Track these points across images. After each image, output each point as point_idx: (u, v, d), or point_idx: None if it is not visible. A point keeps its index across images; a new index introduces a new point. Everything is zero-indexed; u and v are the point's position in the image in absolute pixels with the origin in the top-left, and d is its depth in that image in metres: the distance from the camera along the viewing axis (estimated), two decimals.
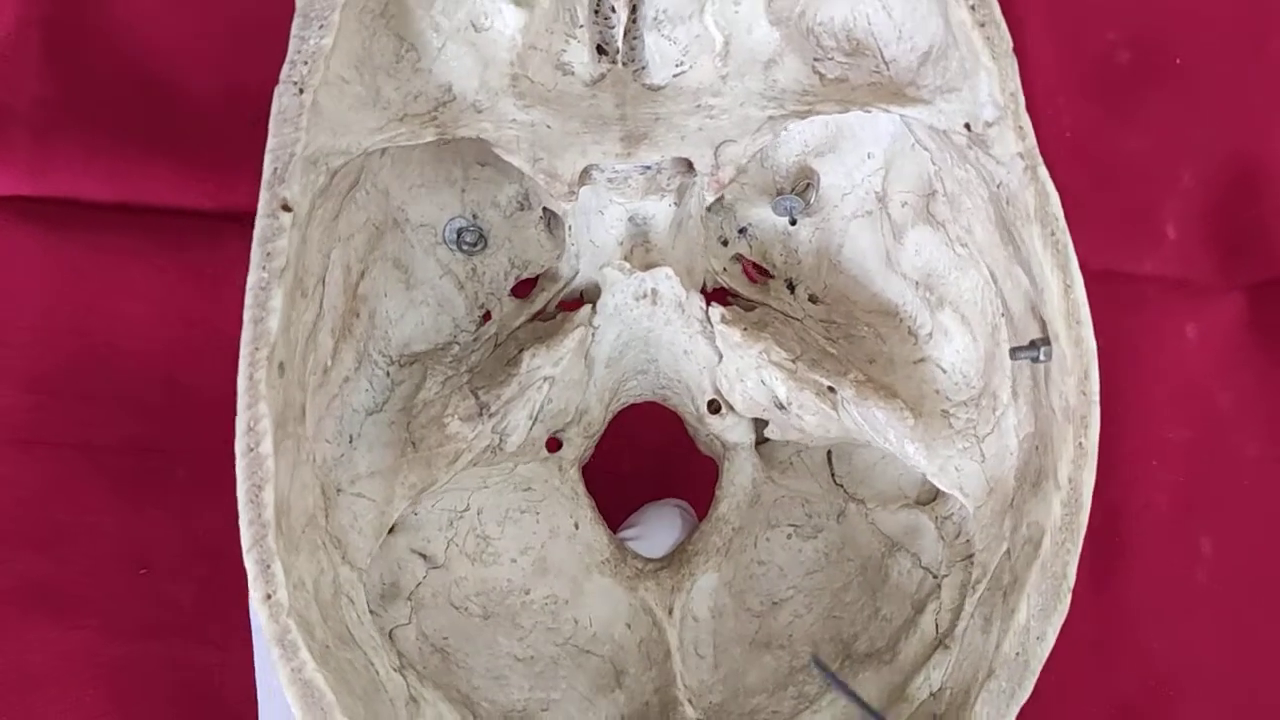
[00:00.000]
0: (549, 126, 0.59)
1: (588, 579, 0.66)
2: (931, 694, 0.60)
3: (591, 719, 0.63)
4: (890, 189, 0.64)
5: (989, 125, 0.56)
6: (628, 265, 0.63)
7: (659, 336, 0.66)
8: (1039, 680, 0.71)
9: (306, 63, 0.53)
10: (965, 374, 0.63)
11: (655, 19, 0.61)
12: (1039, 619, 0.55)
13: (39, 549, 0.69)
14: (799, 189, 0.66)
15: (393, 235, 0.63)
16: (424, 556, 0.63)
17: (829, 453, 0.68)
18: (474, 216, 0.65)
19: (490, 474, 0.65)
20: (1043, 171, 0.55)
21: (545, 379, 0.62)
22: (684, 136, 0.60)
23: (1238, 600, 0.74)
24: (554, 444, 0.67)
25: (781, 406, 0.64)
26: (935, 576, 0.63)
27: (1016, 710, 0.56)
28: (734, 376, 0.65)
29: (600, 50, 0.62)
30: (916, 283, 0.64)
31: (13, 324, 0.70)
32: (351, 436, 0.60)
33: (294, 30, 0.53)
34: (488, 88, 0.59)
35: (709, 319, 0.64)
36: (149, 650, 0.69)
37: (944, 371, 0.63)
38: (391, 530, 0.62)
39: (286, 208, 0.52)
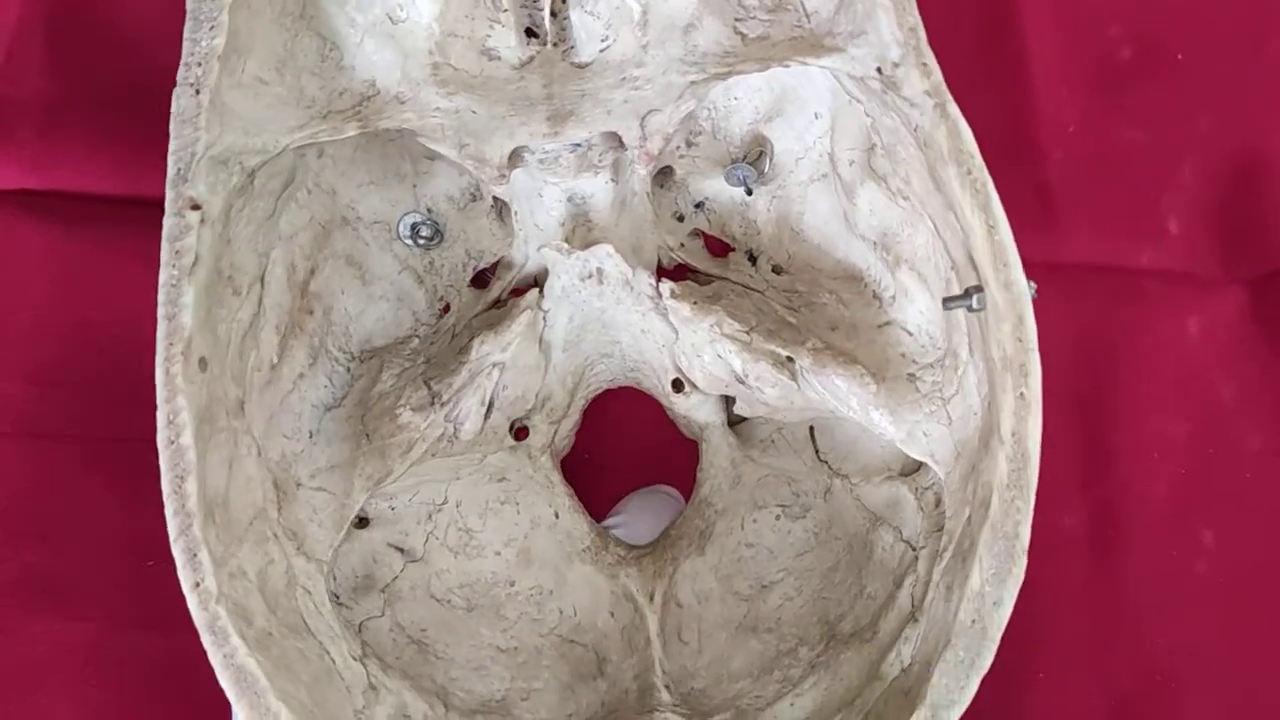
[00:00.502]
0: (474, 112, 0.60)
1: (570, 568, 0.66)
2: (902, 669, 0.57)
3: (571, 708, 0.63)
4: (837, 148, 0.62)
5: (896, 66, 0.54)
6: (565, 245, 0.62)
7: (614, 317, 0.65)
8: (1037, 671, 0.68)
9: (200, 64, 0.54)
10: (930, 335, 0.60)
11: None
12: (994, 584, 0.52)
13: (41, 541, 0.71)
14: (752, 158, 0.64)
15: (342, 233, 0.64)
16: (401, 550, 0.64)
17: (811, 428, 0.66)
18: (428, 210, 0.66)
19: (460, 465, 0.65)
20: (952, 108, 0.53)
21: (495, 365, 0.62)
22: (610, 111, 0.60)
23: (1238, 592, 0.70)
24: (522, 433, 0.67)
25: (740, 380, 0.63)
26: (914, 549, 0.61)
27: (977, 679, 0.52)
28: (691, 352, 0.64)
29: (530, 33, 0.62)
30: (874, 243, 0.61)
31: (16, 316, 0.72)
32: (311, 432, 0.61)
33: (186, 33, 0.55)
34: (409, 79, 0.60)
35: (659, 294, 0.63)
36: (151, 642, 0.70)
37: (909, 334, 0.60)
38: (366, 525, 0.63)
39: (195, 206, 0.54)
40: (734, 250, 0.66)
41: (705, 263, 0.66)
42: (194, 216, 0.54)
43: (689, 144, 0.65)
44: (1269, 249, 0.72)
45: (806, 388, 0.61)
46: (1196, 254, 0.73)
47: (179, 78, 0.55)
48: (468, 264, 0.67)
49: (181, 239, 0.54)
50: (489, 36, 0.61)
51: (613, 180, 0.63)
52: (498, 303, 0.66)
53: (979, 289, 0.53)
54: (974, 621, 0.52)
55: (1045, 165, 0.72)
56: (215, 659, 0.53)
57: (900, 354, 0.60)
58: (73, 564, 0.71)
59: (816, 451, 0.66)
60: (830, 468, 0.65)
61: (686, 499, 0.68)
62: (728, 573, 0.65)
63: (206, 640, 0.53)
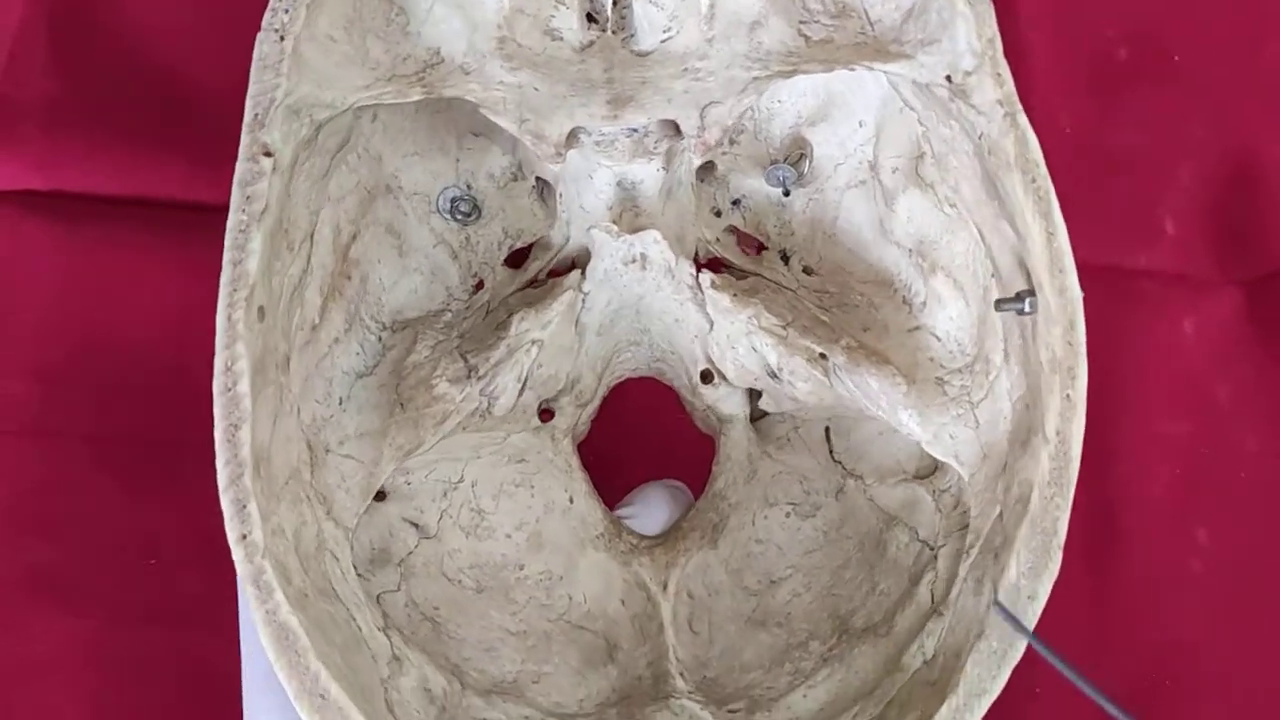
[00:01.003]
0: (536, 89, 0.60)
1: (582, 554, 0.66)
2: (925, 662, 0.59)
3: (583, 692, 0.62)
4: (881, 156, 0.64)
5: (968, 74, 0.56)
6: (615, 227, 0.63)
7: (650, 304, 0.66)
8: (1035, 670, 0.70)
9: (288, 10, 0.54)
10: (959, 341, 0.62)
11: None
12: (1029, 577, 0.54)
13: (46, 538, 0.70)
14: (792, 159, 0.66)
15: (385, 201, 0.64)
16: (416, 526, 0.63)
17: (827, 429, 0.68)
18: (468, 186, 0.66)
19: (483, 444, 0.65)
20: (1022, 118, 0.55)
21: (534, 342, 0.63)
22: (670, 99, 0.61)
23: (1234, 592, 0.73)
24: (546, 414, 0.67)
25: (773, 374, 0.64)
26: (932, 548, 0.62)
27: (1009, 670, 0.54)
28: (725, 344, 0.65)
29: (590, 18, 0.63)
30: (910, 250, 0.63)
31: (21, 316, 0.72)
32: (341, 399, 0.61)
33: None
34: (475, 50, 0.60)
35: (699, 285, 0.64)
36: (156, 639, 0.69)
37: (938, 339, 0.62)
38: (383, 498, 0.63)
39: (268, 153, 0.54)
40: (767, 249, 0.68)
41: (740, 258, 0.67)
42: (267, 163, 0.53)
43: (731, 141, 0.66)
44: (1265, 250, 0.75)
45: (838, 385, 0.63)
46: (1193, 255, 0.75)
47: (264, 23, 0.54)
48: (504, 242, 0.67)
49: (254, 184, 0.53)
50: (553, 17, 0.62)
51: (664, 168, 0.64)
52: (534, 282, 0.66)
53: (1031, 293, 0.55)
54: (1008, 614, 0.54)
55: None
56: (258, 614, 0.51)
57: (929, 358, 0.62)
58: (78, 561, 0.70)
59: (831, 451, 0.67)
60: (844, 468, 0.67)
61: (695, 495, 0.69)
62: (737, 567, 0.66)
63: (250, 594, 0.52)
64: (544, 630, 0.64)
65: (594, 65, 0.62)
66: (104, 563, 0.70)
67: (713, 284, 0.63)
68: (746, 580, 0.66)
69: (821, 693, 0.61)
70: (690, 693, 0.61)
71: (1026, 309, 0.55)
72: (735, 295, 0.63)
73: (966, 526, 0.60)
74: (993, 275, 0.60)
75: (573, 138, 0.61)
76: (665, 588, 0.64)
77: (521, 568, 0.65)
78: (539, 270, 0.66)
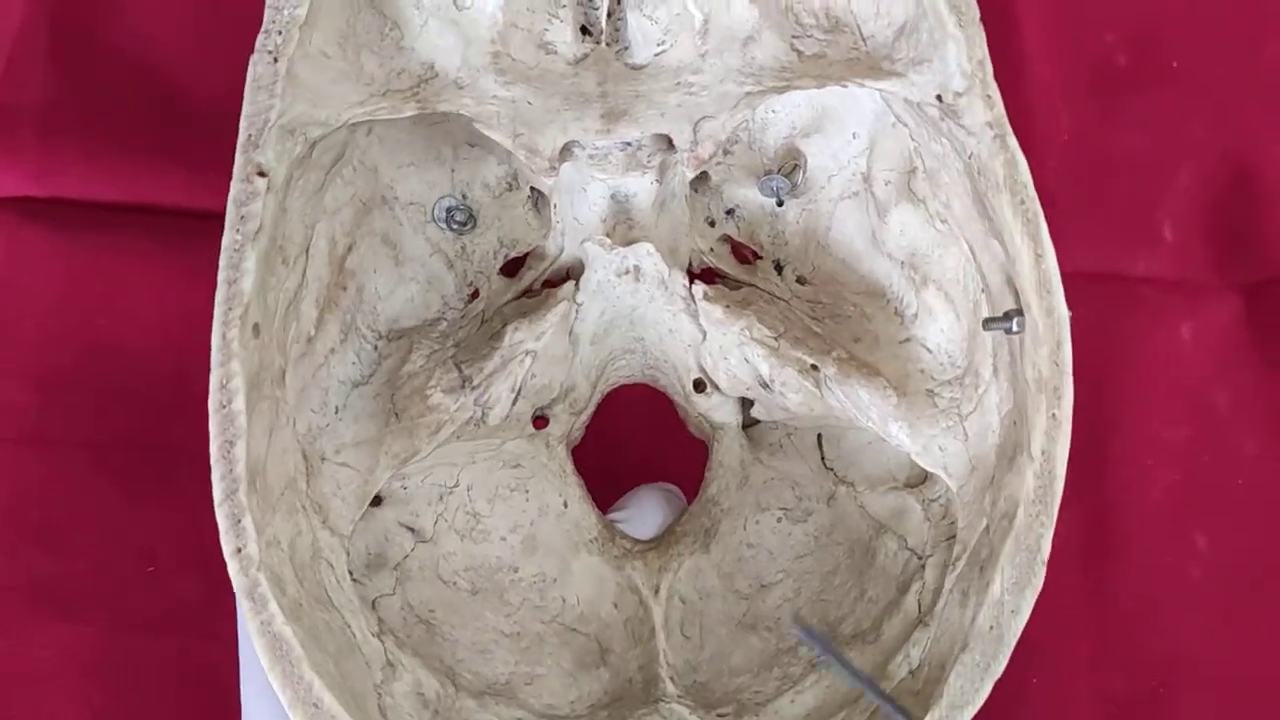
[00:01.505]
0: (530, 103, 0.61)
1: (575, 557, 0.67)
2: (910, 671, 0.59)
3: (574, 694, 0.64)
4: (874, 168, 0.64)
5: (959, 95, 0.56)
6: (608, 240, 0.64)
7: (643, 314, 0.66)
8: (1031, 676, 0.71)
9: (281, 32, 0.55)
10: (950, 353, 0.62)
11: None
12: (1013, 592, 0.55)
13: (45, 546, 0.71)
14: (786, 170, 0.66)
15: (381, 212, 0.64)
16: (412, 530, 0.64)
17: (819, 435, 0.68)
18: (463, 196, 0.67)
19: (478, 450, 0.66)
20: (1011, 140, 0.55)
21: (528, 353, 0.63)
22: (664, 113, 0.61)
23: (1232, 598, 0.73)
24: (541, 422, 0.67)
25: (765, 385, 0.65)
26: (920, 558, 0.63)
27: (991, 683, 0.55)
28: (718, 354, 0.66)
29: (584, 31, 0.63)
30: (902, 262, 0.64)
31: (19, 323, 0.72)
32: (337, 408, 0.62)
33: (269, 0, 0.55)
34: (469, 65, 0.61)
35: (692, 297, 0.65)
36: (156, 647, 0.70)
37: (929, 351, 0.63)
38: (379, 503, 0.63)
39: (261, 173, 0.54)
40: (760, 259, 0.68)
41: (733, 268, 0.68)
42: (261, 183, 0.54)
43: (725, 152, 0.67)
44: (1264, 256, 0.75)
45: (829, 396, 0.63)
46: (1192, 261, 0.75)
47: (258, 44, 0.55)
48: (499, 252, 0.68)
49: (248, 204, 0.54)
50: (547, 30, 0.62)
51: (657, 181, 0.64)
52: (528, 292, 0.67)
53: (1019, 312, 0.56)
54: (992, 628, 0.55)
55: (1040, 172, 0.72)
56: (253, 625, 0.53)
57: (919, 370, 0.63)
58: (77, 568, 0.70)
59: (823, 458, 0.68)
60: (835, 475, 0.67)
61: (688, 498, 0.70)
62: (729, 571, 0.67)
63: (245, 606, 0.53)
64: (537, 632, 0.65)
65: (588, 79, 0.62)
66: (102, 569, 0.70)
67: (705, 296, 0.64)
68: (738, 584, 0.67)
69: (809, 698, 0.62)
70: (680, 697, 0.62)
71: (1014, 328, 0.56)
72: (728, 307, 0.64)
73: (954, 537, 0.61)
74: (983, 290, 0.60)
75: (566, 151, 0.62)
76: (657, 592, 0.65)
77: (516, 570, 0.66)
78: (533, 280, 0.67)
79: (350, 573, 0.61)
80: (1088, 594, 0.73)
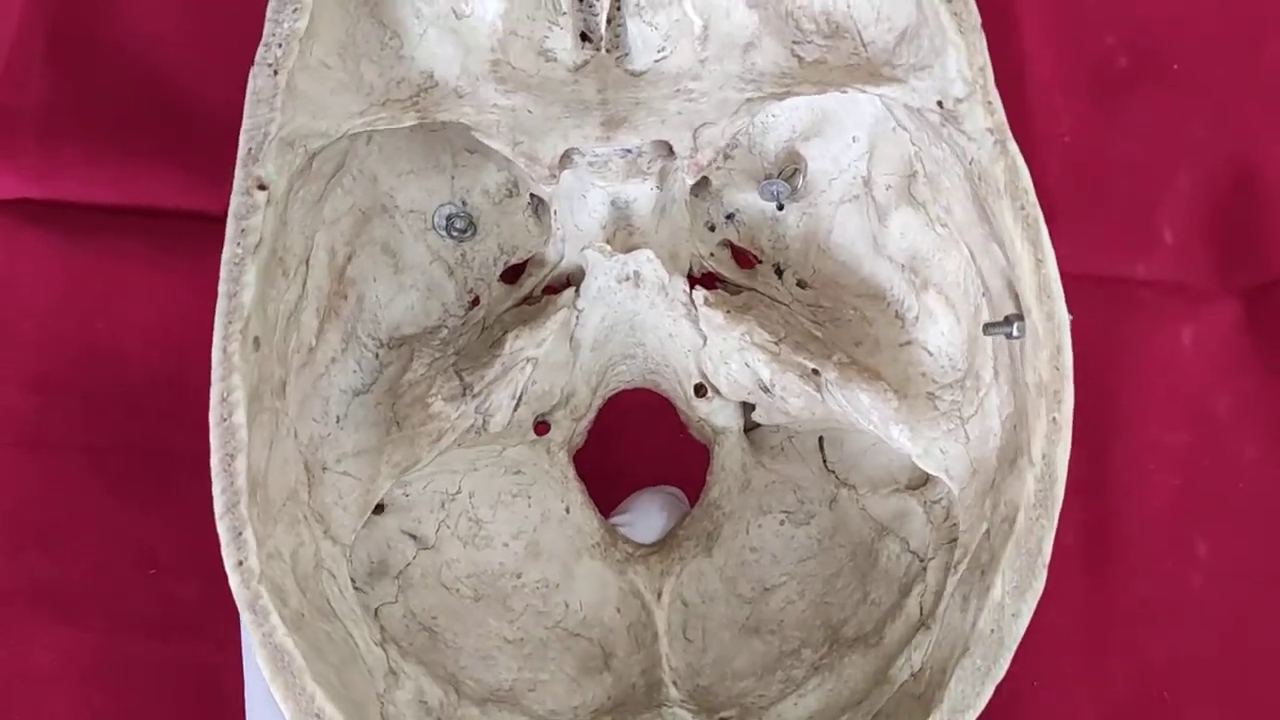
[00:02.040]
0: (530, 111, 0.61)
1: (578, 563, 0.67)
2: (912, 675, 0.60)
3: (578, 700, 0.64)
4: (874, 172, 0.64)
5: (959, 101, 0.56)
6: (608, 247, 0.64)
7: (644, 320, 0.67)
8: (1032, 680, 0.71)
9: (281, 45, 0.55)
10: (950, 356, 0.62)
11: (637, 5, 0.62)
12: (1014, 596, 0.55)
13: (44, 550, 0.71)
14: (786, 174, 0.66)
15: (381, 220, 0.64)
16: (414, 537, 0.64)
17: (820, 438, 0.68)
18: (463, 203, 0.67)
19: (479, 457, 0.66)
20: (1012, 146, 0.55)
21: (528, 360, 0.63)
22: (664, 120, 0.61)
23: (1233, 604, 0.73)
24: (542, 428, 0.67)
25: (766, 389, 0.65)
26: (922, 560, 0.63)
27: (992, 687, 0.55)
28: (718, 359, 0.66)
29: (584, 37, 0.63)
30: (902, 265, 0.64)
31: (18, 326, 0.72)
32: (338, 417, 0.62)
33: (269, 13, 0.55)
34: (469, 73, 0.61)
35: (692, 302, 0.65)
36: (153, 650, 0.71)
37: (930, 354, 0.63)
38: (381, 511, 0.64)
39: (261, 186, 0.54)
40: (761, 263, 0.68)
41: (734, 273, 0.68)
42: (261, 197, 0.54)
43: (725, 156, 0.67)
44: (1265, 259, 0.75)
45: (830, 400, 0.63)
46: (1192, 264, 0.75)
47: (258, 57, 0.55)
48: (499, 258, 0.68)
49: (248, 218, 0.54)
50: (547, 38, 0.62)
51: (657, 187, 0.64)
52: (529, 299, 0.67)
53: (1019, 317, 0.56)
54: (993, 631, 0.55)
55: (1041, 175, 0.72)
56: (255, 638, 0.53)
57: (920, 373, 0.63)
58: (76, 572, 0.71)
59: (824, 461, 0.68)
60: (837, 478, 0.67)
61: (691, 501, 0.70)
62: (732, 575, 0.67)
63: (247, 619, 0.53)
64: (540, 638, 0.65)
65: (588, 86, 0.62)
66: (101, 573, 0.70)
67: (706, 301, 0.64)
68: (740, 588, 0.67)
69: (811, 701, 0.63)
70: (683, 701, 0.62)
71: (1014, 333, 0.56)
72: (728, 312, 0.64)
73: (955, 540, 0.61)
74: (983, 294, 0.60)
75: (566, 159, 0.62)
76: (660, 596, 0.65)
77: (519, 576, 0.66)
78: (534, 286, 0.67)
79: (352, 581, 0.61)
80: (1088, 599, 0.73)
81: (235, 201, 0.54)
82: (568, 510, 0.67)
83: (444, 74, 0.61)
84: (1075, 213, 0.74)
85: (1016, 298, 0.56)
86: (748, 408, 0.68)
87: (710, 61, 0.61)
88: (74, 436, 0.72)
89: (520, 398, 0.65)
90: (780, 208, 0.67)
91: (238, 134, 0.56)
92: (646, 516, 0.69)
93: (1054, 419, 0.55)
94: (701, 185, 0.67)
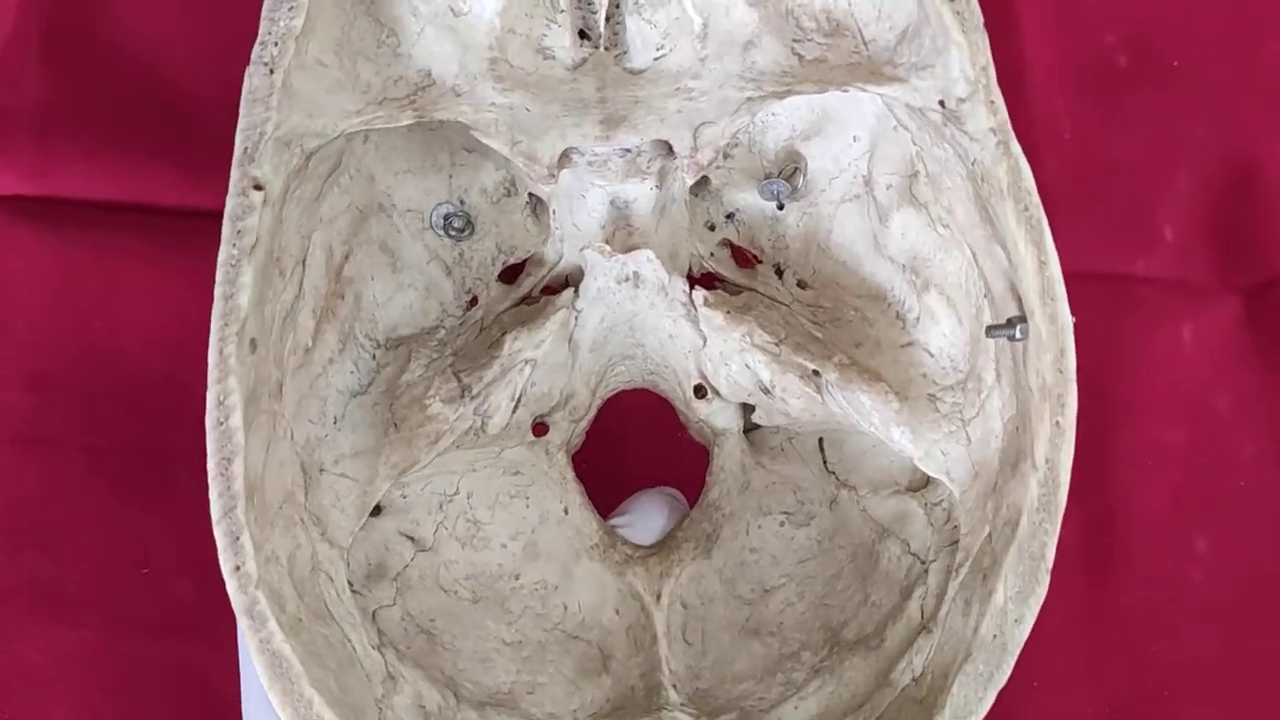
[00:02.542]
0: (528, 110, 0.60)
1: (577, 564, 0.66)
2: (913, 679, 0.59)
3: (577, 702, 0.63)
4: (875, 172, 0.64)
5: (962, 101, 0.55)
6: (608, 248, 0.63)
7: (643, 320, 0.66)
8: (1032, 680, 0.71)
9: (277, 44, 0.54)
10: (952, 357, 0.62)
11: (636, 3, 0.61)
12: (1016, 601, 0.55)
13: (40, 548, 0.70)
14: (786, 173, 0.66)
15: (378, 219, 0.64)
16: (412, 539, 0.64)
17: (821, 439, 0.68)
18: (461, 202, 0.66)
19: (477, 458, 0.65)
20: (1015, 147, 0.55)
21: (527, 361, 0.63)
22: (663, 119, 0.61)
23: (1233, 601, 0.73)
24: (540, 429, 0.67)
25: (766, 390, 0.64)
26: (923, 562, 0.63)
27: (994, 692, 0.55)
28: (718, 360, 0.65)
29: (582, 35, 0.62)
30: (903, 266, 0.63)
31: (14, 324, 0.72)
32: (335, 418, 0.61)
33: (264, 11, 0.54)
34: (466, 72, 0.60)
35: (692, 303, 0.64)
36: (150, 649, 0.70)
37: (931, 355, 0.63)
38: (379, 513, 0.63)
39: (258, 186, 0.54)
40: (761, 263, 0.68)
41: (734, 273, 0.67)
42: (257, 197, 0.54)
43: (725, 155, 0.66)
44: (1265, 257, 0.75)
45: (830, 401, 0.63)
46: (1192, 262, 0.75)
47: (254, 56, 0.54)
48: (498, 258, 0.67)
49: (244, 219, 0.53)
50: (545, 35, 0.61)
51: (657, 187, 0.64)
52: (527, 299, 0.66)
53: (1023, 319, 0.55)
54: (995, 637, 0.55)
55: (1041, 172, 0.72)
56: (252, 643, 0.52)
57: (921, 374, 0.63)
58: (73, 571, 0.70)
59: (825, 462, 0.68)
60: (838, 479, 0.67)
61: (690, 503, 0.70)
62: (731, 576, 0.67)
63: (244, 624, 0.53)
64: (539, 640, 0.65)
65: (586, 84, 0.61)
66: (98, 572, 0.70)
67: (706, 302, 0.64)
68: (740, 589, 0.67)
69: (812, 705, 0.62)
70: (682, 704, 0.62)
71: (1017, 335, 0.55)
72: (728, 313, 0.63)
73: (957, 542, 0.61)
74: (985, 296, 0.60)
75: (565, 158, 0.61)
76: (659, 598, 0.65)
77: (517, 577, 0.66)
78: (533, 286, 0.66)
79: (350, 584, 0.60)
80: (1088, 597, 0.73)
81: (231, 202, 0.54)
82: (566, 511, 0.67)
83: (441, 72, 0.60)
84: (1075, 210, 0.74)
85: (1019, 300, 0.56)
86: (748, 409, 0.68)
87: (710, 60, 0.61)
88: (71, 435, 0.71)
89: (519, 399, 0.64)
90: (780, 207, 0.66)
91: (234, 131, 0.55)
92: (646, 518, 0.68)
93: (1057, 423, 0.55)
94: (701, 184, 0.67)
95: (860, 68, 0.59)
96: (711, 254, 0.67)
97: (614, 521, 0.68)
